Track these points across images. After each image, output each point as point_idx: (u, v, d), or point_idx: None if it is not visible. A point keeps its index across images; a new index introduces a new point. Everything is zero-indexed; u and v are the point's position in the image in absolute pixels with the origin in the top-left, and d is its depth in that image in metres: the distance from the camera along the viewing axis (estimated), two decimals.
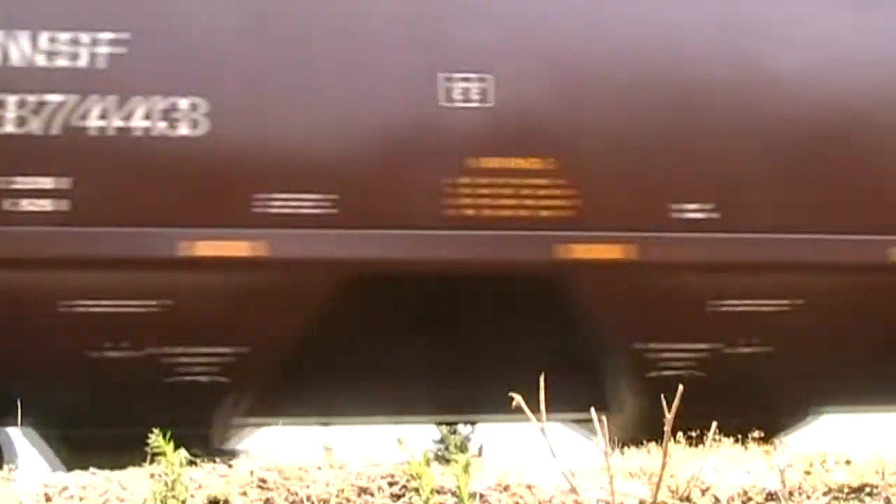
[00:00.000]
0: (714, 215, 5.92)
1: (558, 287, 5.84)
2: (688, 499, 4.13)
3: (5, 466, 4.57)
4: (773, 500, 4.16)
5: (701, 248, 5.89)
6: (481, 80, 5.83)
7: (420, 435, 10.61)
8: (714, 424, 4.12)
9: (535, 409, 4.53)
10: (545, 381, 3.81)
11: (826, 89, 6.20)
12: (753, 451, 5.28)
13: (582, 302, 5.88)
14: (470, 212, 5.71)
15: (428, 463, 3.83)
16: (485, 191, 5.73)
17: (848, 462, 4.56)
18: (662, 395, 3.72)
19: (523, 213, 5.75)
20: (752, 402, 5.96)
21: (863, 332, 6.16)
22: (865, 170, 6.13)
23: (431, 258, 5.67)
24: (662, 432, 5.68)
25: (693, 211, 5.91)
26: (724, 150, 5.99)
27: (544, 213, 5.76)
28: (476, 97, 5.81)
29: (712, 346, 6.03)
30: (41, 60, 5.56)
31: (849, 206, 6.07)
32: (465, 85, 5.82)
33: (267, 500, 3.91)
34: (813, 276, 6.08)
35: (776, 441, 5.59)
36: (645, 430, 6.25)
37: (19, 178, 5.46)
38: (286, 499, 3.92)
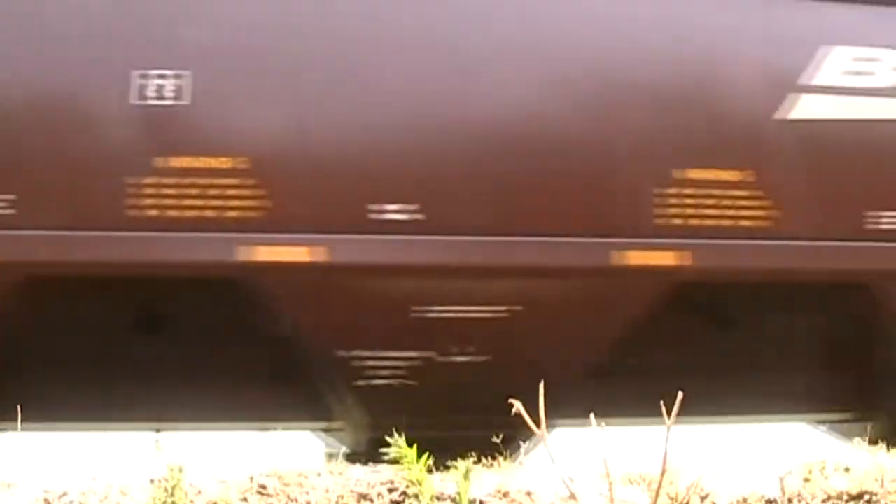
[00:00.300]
0: (418, 216, 5.65)
1: (248, 291, 5.62)
2: None
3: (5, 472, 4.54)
4: None
5: (402, 251, 5.62)
6: (178, 77, 5.64)
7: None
8: None
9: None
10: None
11: (542, 88, 5.87)
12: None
13: (272, 306, 5.65)
14: (153, 212, 5.53)
15: (428, 469, 3.83)
16: (170, 191, 5.54)
17: (847, 469, 4.54)
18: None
19: (209, 213, 5.55)
20: (472, 414, 5.67)
21: (587, 339, 5.82)
22: (585, 170, 5.79)
23: (112, 260, 5.51)
24: (381, 442, 5.43)
25: (394, 212, 5.63)
26: (431, 148, 5.72)
27: (231, 214, 5.55)
28: (171, 95, 5.63)
29: (422, 355, 5.75)
30: None
31: (568, 208, 5.75)
32: (160, 82, 5.64)
33: None
34: (531, 281, 5.77)
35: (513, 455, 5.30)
36: (363, 441, 6.04)
37: None
38: None
